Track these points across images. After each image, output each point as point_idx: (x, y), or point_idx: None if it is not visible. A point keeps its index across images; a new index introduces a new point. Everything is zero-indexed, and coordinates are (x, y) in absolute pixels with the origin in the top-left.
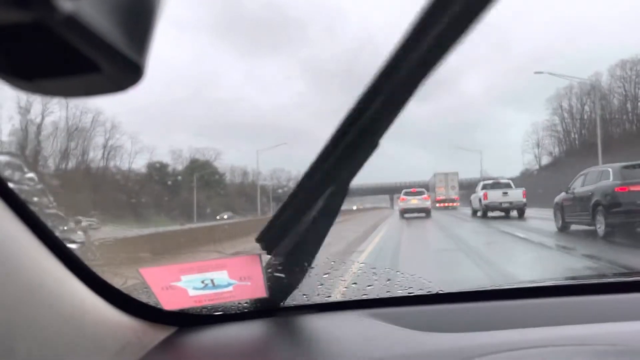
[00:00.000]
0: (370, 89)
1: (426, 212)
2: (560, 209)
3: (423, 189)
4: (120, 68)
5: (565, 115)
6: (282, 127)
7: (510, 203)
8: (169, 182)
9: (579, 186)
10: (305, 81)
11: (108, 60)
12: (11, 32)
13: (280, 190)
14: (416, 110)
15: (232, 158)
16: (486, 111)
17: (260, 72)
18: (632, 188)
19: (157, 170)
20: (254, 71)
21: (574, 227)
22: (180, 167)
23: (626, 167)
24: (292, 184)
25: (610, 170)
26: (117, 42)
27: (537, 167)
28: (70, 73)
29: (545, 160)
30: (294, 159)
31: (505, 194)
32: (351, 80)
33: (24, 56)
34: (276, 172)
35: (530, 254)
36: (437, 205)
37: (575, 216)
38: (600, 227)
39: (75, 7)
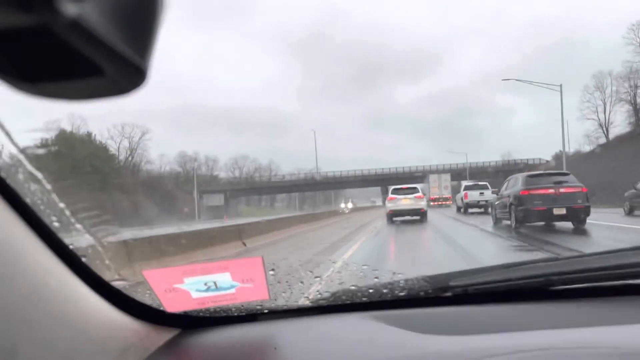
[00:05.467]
0: None
1: (421, 214)
2: (494, 208)
3: (416, 186)
4: (123, 71)
5: None
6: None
7: (486, 201)
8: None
9: (504, 190)
10: (279, 57)
11: (111, 64)
12: (15, 36)
13: (237, 191)
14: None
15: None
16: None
17: (218, 48)
18: (532, 192)
19: None
20: (209, 46)
21: (504, 222)
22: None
23: (530, 176)
24: (259, 174)
25: (520, 178)
26: (120, 46)
27: (603, 140)
28: (74, 76)
29: (619, 128)
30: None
31: (481, 193)
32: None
33: (28, 59)
34: (238, 160)
35: (467, 232)
36: (432, 204)
37: (501, 213)
38: (512, 221)
39: (79, 11)
